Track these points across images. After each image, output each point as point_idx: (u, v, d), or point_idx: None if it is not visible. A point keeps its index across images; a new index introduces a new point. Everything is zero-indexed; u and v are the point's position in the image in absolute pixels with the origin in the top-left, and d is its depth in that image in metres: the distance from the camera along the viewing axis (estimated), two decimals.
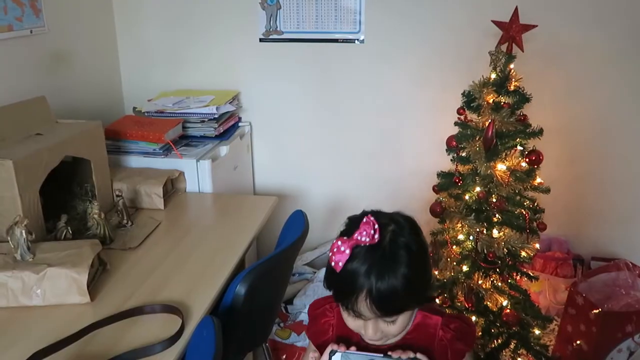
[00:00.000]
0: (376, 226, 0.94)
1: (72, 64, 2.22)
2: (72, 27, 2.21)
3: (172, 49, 2.48)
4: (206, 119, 2.20)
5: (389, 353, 0.99)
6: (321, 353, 1.08)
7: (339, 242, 0.95)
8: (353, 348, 1.00)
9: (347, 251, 0.94)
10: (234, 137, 2.32)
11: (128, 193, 1.84)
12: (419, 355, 0.99)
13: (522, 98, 1.81)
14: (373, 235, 0.94)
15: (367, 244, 0.94)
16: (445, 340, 1.05)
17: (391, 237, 0.95)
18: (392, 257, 0.94)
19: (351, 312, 0.97)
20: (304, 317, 2.29)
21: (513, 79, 1.81)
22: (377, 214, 0.98)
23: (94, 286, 1.39)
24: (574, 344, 1.92)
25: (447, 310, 1.91)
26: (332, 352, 1.01)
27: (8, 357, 1.14)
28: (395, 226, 0.97)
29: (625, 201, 2.34)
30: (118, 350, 1.16)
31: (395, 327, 0.99)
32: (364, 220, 0.95)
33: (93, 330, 1.24)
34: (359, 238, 0.94)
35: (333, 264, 0.95)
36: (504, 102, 1.80)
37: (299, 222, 1.65)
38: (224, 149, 2.19)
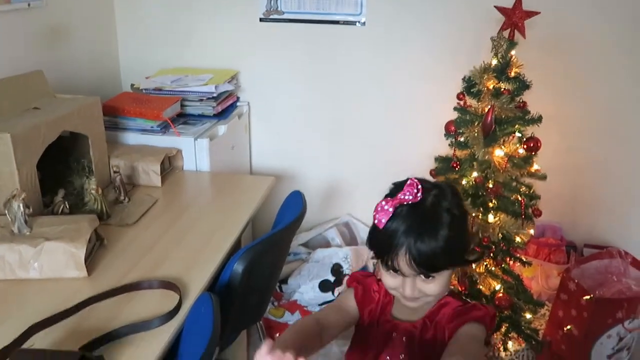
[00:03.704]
0: (419, 186, 0.99)
1: (70, 39, 2.20)
2: (70, 2, 2.18)
3: (171, 26, 2.46)
4: (204, 98, 2.19)
5: None
6: (363, 315, 1.14)
7: (383, 202, 0.99)
8: None
9: (390, 209, 0.98)
10: (232, 117, 2.31)
11: (125, 169, 1.84)
12: None
13: (522, 85, 1.81)
14: (416, 194, 0.98)
15: (410, 203, 0.98)
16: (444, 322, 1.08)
17: (433, 200, 1.00)
18: (433, 218, 0.98)
19: (391, 269, 1.01)
20: (298, 296, 2.30)
21: (514, 66, 1.81)
22: (422, 180, 1.02)
23: (91, 261, 1.40)
24: (565, 329, 1.95)
25: None
26: None
27: (5, 329, 1.14)
28: (438, 191, 1.02)
29: (619, 190, 2.36)
30: (115, 325, 1.17)
31: (432, 287, 1.02)
32: (408, 182, 1.00)
33: (90, 305, 1.25)
34: (402, 197, 0.99)
35: (376, 221, 0.99)
36: (504, 89, 1.80)
37: (296, 203, 1.65)
38: (222, 128, 2.18)
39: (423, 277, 1.01)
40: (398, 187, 1.03)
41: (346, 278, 2.30)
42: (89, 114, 1.75)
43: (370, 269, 2.37)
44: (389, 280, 1.04)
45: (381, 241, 1.00)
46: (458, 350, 0.98)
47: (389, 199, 1.00)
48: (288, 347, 0.85)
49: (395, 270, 1.00)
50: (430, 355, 1.06)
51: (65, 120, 1.63)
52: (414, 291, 1.02)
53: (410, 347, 1.09)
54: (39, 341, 1.13)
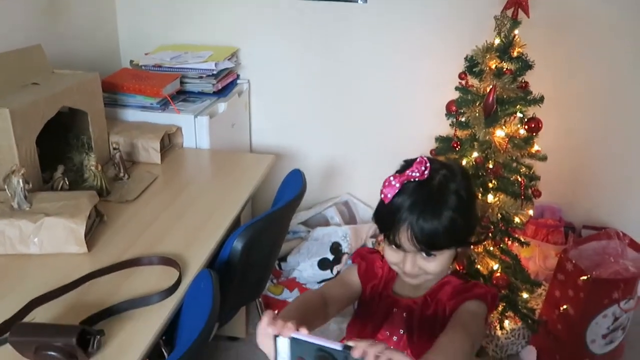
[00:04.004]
0: (427, 164, 1.00)
1: (68, 14, 2.17)
2: None
3: (170, 2, 2.43)
4: (204, 75, 2.18)
5: (348, 343, 0.79)
6: (365, 290, 1.16)
7: (391, 177, 1.01)
8: (304, 331, 0.83)
9: (397, 185, 0.99)
10: (232, 95, 2.30)
11: (125, 146, 1.84)
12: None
13: (525, 65, 1.80)
14: (423, 172, 0.99)
15: (417, 180, 0.99)
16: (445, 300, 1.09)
17: (441, 180, 1.01)
18: (439, 198, 1.00)
19: (393, 244, 1.02)
20: (296, 274, 2.32)
21: (517, 45, 1.80)
22: (431, 159, 1.03)
23: (91, 237, 1.40)
24: (561, 309, 1.96)
25: None
26: (276, 337, 0.84)
27: (6, 304, 1.15)
28: (447, 171, 1.03)
29: (618, 172, 2.36)
30: (115, 300, 1.18)
31: (433, 265, 1.03)
32: (418, 159, 1.01)
33: (90, 280, 1.25)
34: (409, 174, 1.00)
35: (382, 195, 1.01)
36: (507, 69, 1.79)
37: (296, 181, 1.65)
38: (221, 106, 2.17)
39: (424, 254, 1.01)
40: (408, 164, 1.04)
41: (345, 257, 2.32)
42: (88, 90, 1.74)
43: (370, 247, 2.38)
44: (391, 255, 1.06)
45: (385, 215, 1.02)
46: (459, 325, 0.99)
47: (397, 175, 1.01)
48: (290, 318, 0.85)
49: (398, 246, 1.01)
50: (429, 332, 1.07)
51: (64, 96, 1.62)
52: (413, 268, 1.03)
53: (410, 323, 1.10)
54: (40, 315, 1.14)
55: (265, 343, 0.86)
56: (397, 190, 0.99)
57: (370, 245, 2.41)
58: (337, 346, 0.78)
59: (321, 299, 1.11)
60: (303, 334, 0.81)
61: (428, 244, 1.00)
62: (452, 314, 1.04)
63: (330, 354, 0.78)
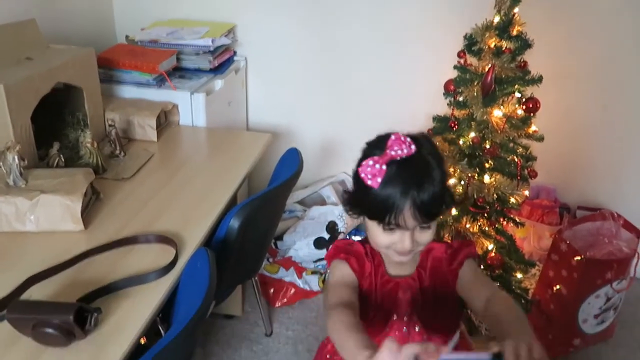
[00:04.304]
0: (409, 139, 0.98)
1: None
2: None
3: None
4: (201, 52, 2.15)
5: (493, 351, 0.78)
6: (361, 284, 1.12)
7: (371, 162, 0.96)
8: (445, 349, 0.77)
9: (384, 167, 0.95)
10: (228, 72, 2.27)
11: (120, 123, 1.82)
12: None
13: (524, 44, 1.78)
14: (410, 147, 0.97)
15: (402, 157, 0.96)
16: (452, 261, 1.12)
17: (416, 149, 0.99)
18: (425, 165, 0.98)
19: (393, 226, 0.99)
20: (292, 253, 2.33)
21: (516, 24, 1.78)
22: (403, 134, 1.00)
23: (87, 214, 1.40)
24: (554, 289, 1.98)
25: None
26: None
27: (2, 281, 1.16)
28: (416, 141, 1.01)
29: (614, 154, 2.36)
30: (112, 278, 1.18)
31: (427, 235, 1.03)
32: (392, 137, 0.98)
33: (87, 258, 1.26)
34: (393, 153, 0.96)
35: (370, 182, 0.96)
36: (506, 47, 1.77)
37: (293, 160, 1.65)
38: (218, 83, 2.15)
39: (419, 227, 1.01)
40: (375, 145, 1.02)
41: (341, 236, 2.33)
42: (84, 66, 1.72)
43: None
44: (385, 238, 1.03)
45: (379, 202, 0.97)
46: (480, 287, 1.07)
47: (376, 157, 0.96)
48: (372, 345, 0.84)
49: (397, 226, 0.99)
50: (432, 302, 1.10)
51: (59, 71, 1.60)
52: (412, 244, 1.01)
53: (415, 300, 1.12)
54: (37, 293, 1.14)
55: None
56: (384, 173, 0.96)
57: None
58: (486, 356, 0.77)
59: (353, 312, 1.02)
60: (450, 354, 0.76)
61: (429, 214, 0.99)
62: (459, 279, 1.10)
63: None
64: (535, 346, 0.79)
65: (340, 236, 2.33)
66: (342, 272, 1.13)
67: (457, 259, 1.12)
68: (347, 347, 0.92)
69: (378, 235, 1.03)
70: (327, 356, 1.26)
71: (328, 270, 1.11)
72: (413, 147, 0.97)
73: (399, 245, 1.02)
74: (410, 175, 0.96)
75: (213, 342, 2.04)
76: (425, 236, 1.03)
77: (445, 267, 1.12)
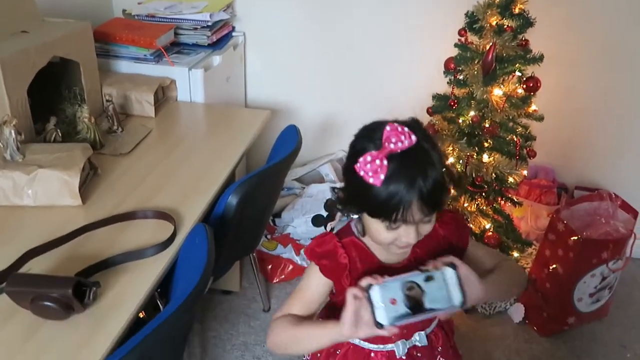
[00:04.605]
0: (406, 129, 0.89)
1: None
2: None
3: None
4: (199, 27, 2.12)
5: (421, 267, 0.93)
6: (342, 284, 1.04)
7: (369, 157, 0.87)
8: (385, 277, 0.90)
9: (385, 162, 0.86)
10: (227, 47, 2.25)
11: (118, 99, 1.81)
12: (451, 258, 0.96)
13: (526, 22, 1.77)
14: (410, 137, 0.88)
15: (404, 149, 0.88)
16: (448, 235, 1.09)
17: (415, 138, 0.89)
18: (424, 153, 0.90)
19: (399, 222, 0.91)
20: (290, 230, 2.33)
21: (518, 2, 1.76)
22: (385, 122, 0.91)
23: (85, 189, 1.40)
24: (550, 268, 1.99)
25: None
26: (369, 287, 0.90)
27: (1, 255, 1.16)
28: (411, 129, 0.91)
29: (612, 134, 2.36)
30: (110, 253, 1.19)
31: (429, 225, 0.97)
32: (387, 129, 0.88)
33: (85, 232, 1.26)
34: (392, 146, 0.87)
35: (371, 180, 0.87)
36: (507, 26, 1.75)
37: (292, 137, 1.64)
38: (216, 59, 2.13)
39: (424, 218, 0.94)
40: (368, 137, 0.92)
41: (339, 215, 2.33)
42: (80, 40, 1.70)
43: None
44: (388, 235, 0.95)
45: (383, 200, 0.89)
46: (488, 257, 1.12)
47: (374, 152, 0.87)
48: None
49: (405, 222, 0.91)
50: None
51: (55, 45, 1.58)
52: (417, 235, 0.95)
53: None
54: (35, 267, 1.14)
55: (363, 314, 0.90)
56: (387, 169, 0.87)
57: None
58: (418, 273, 0.93)
59: (298, 317, 1.03)
60: (388, 278, 0.91)
61: (435, 205, 0.93)
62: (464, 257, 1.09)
63: (414, 282, 0.92)
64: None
65: (338, 214, 2.33)
66: (312, 281, 1.07)
67: (461, 239, 1.10)
68: (307, 335, 0.99)
69: (381, 232, 0.96)
70: None
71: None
72: (414, 137, 0.88)
73: (403, 239, 0.95)
74: (413, 167, 0.88)
75: (211, 318, 2.05)
76: (428, 227, 0.96)
77: (457, 240, 1.10)
